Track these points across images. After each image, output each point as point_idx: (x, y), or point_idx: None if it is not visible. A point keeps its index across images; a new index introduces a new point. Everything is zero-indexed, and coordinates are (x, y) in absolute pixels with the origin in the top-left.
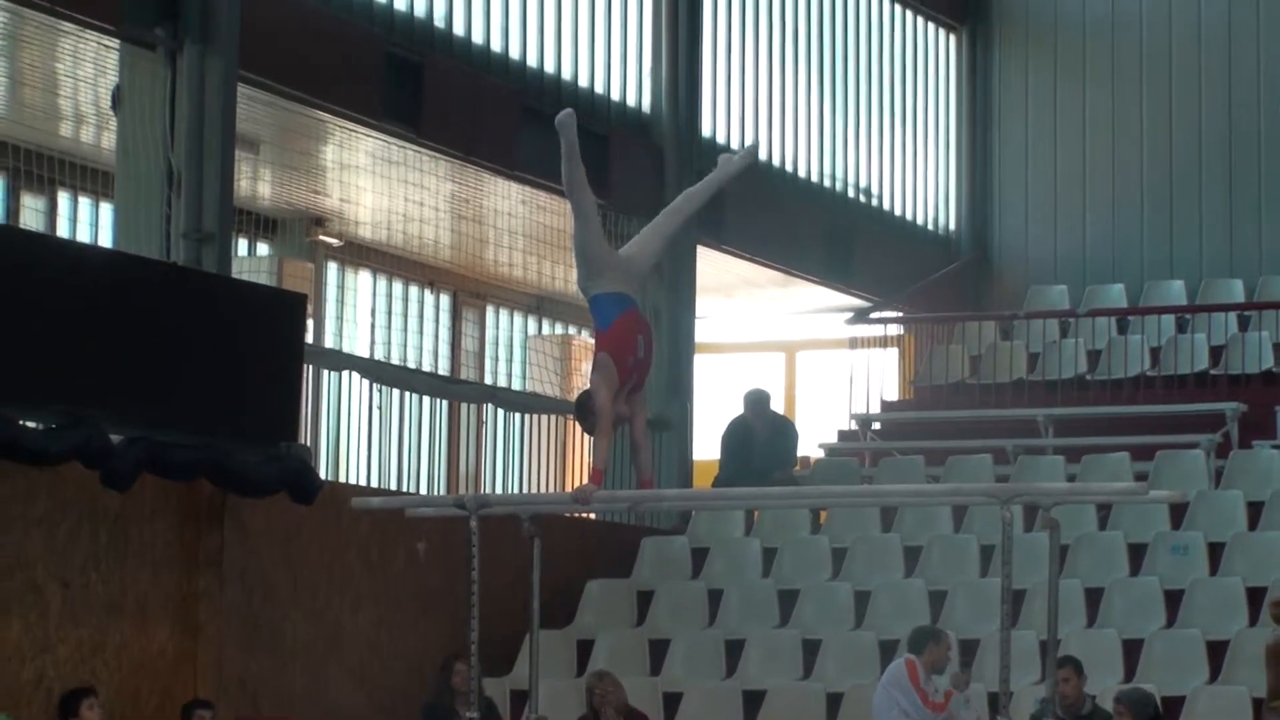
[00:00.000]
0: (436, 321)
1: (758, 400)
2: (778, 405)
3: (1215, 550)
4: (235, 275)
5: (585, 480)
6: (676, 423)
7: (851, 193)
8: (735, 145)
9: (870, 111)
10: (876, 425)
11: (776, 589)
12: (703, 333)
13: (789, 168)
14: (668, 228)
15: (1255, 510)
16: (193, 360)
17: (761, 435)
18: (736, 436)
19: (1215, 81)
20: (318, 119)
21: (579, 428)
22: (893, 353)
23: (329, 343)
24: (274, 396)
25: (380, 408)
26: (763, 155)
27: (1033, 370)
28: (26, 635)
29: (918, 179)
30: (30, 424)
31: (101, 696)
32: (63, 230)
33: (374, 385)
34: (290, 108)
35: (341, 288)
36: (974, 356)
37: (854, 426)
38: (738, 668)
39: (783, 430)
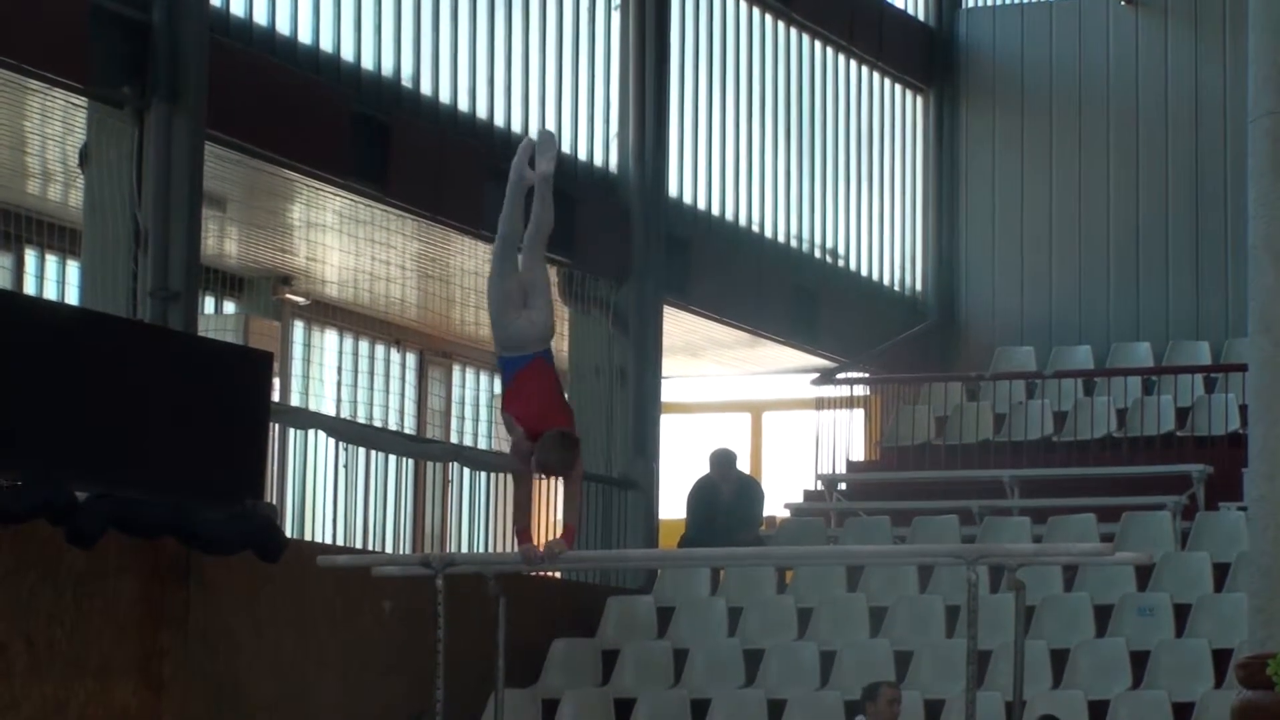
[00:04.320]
0: (403, 380)
1: (723, 460)
2: (744, 465)
3: (1181, 612)
4: (202, 333)
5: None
6: (642, 482)
7: (818, 253)
8: (702, 206)
9: (837, 172)
10: (842, 486)
11: (742, 648)
12: (669, 393)
13: (755, 228)
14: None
15: (1221, 572)
16: (159, 418)
17: (727, 495)
18: (702, 496)
19: (1181, 144)
20: (285, 178)
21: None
22: (859, 413)
23: (295, 401)
24: (240, 454)
25: (346, 466)
26: (729, 215)
27: (999, 431)
28: None
29: (884, 240)
30: None
31: None
32: (29, 287)
33: (340, 444)
34: (257, 166)
35: (308, 346)
36: (940, 417)
37: (820, 487)
38: None
39: (748, 490)
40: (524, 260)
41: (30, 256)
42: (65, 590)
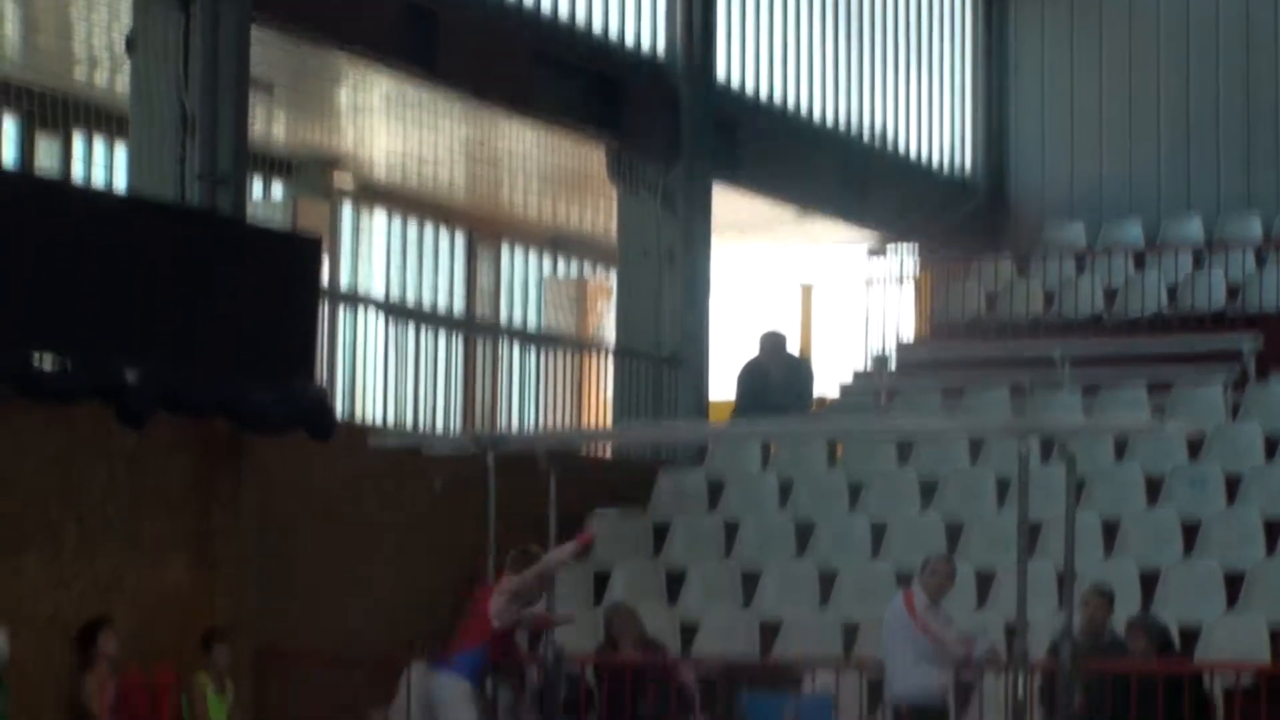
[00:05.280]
0: (452, 261)
1: (774, 342)
2: (794, 344)
3: (1232, 483)
4: (250, 217)
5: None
6: (692, 362)
7: (867, 134)
8: (750, 89)
9: (885, 53)
10: (893, 362)
11: (793, 521)
12: (718, 272)
13: (804, 110)
14: None
15: (1272, 443)
16: (209, 301)
17: (777, 376)
18: (753, 377)
19: (1233, 16)
20: (332, 61)
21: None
22: (909, 291)
23: (345, 283)
24: (290, 336)
25: (396, 346)
26: (778, 97)
27: (1049, 307)
28: (43, 571)
29: (933, 119)
30: (46, 363)
31: (119, 632)
32: (77, 172)
33: (390, 324)
34: (304, 50)
35: (357, 229)
36: (990, 294)
37: (870, 364)
38: (754, 599)
39: (798, 370)
40: None
41: (78, 141)
42: (117, 470)
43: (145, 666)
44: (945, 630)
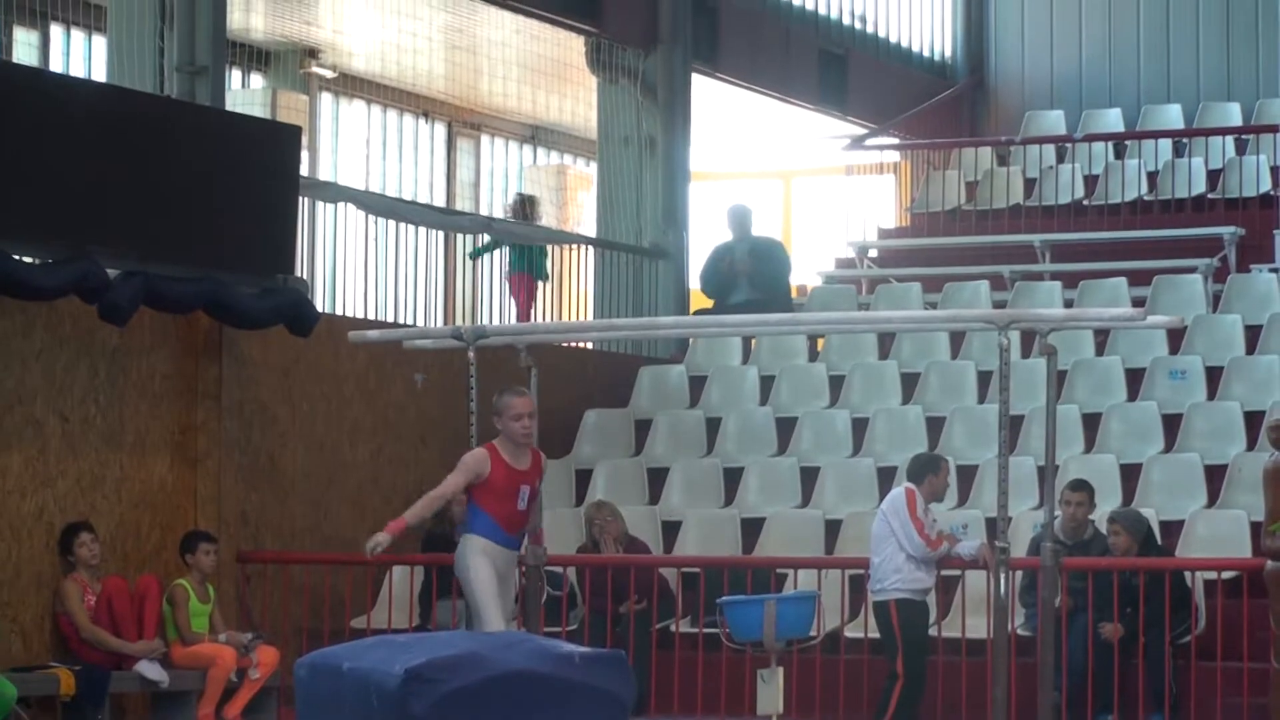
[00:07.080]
0: (431, 152)
1: (738, 215)
2: (775, 233)
3: (1213, 374)
4: (229, 108)
5: None
6: (673, 252)
7: (847, 19)
8: None
9: None
10: (873, 252)
11: (774, 416)
12: (698, 161)
13: None
14: None
15: (1253, 334)
16: (188, 194)
17: (741, 256)
18: (718, 262)
19: None
20: None
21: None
22: (889, 179)
23: (324, 175)
24: (270, 229)
25: (376, 240)
26: None
27: (1030, 196)
28: (27, 469)
29: (914, 5)
30: (26, 259)
31: (102, 530)
32: (56, 64)
33: (370, 217)
34: None
35: (336, 119)
36: (970, 182)
37: (851, 254)
38: (736, 495)
39: (767, 254)
40: None
41: (56, 33)
42: (99, 367)
43: (128, 565)
44: (932, 530)
